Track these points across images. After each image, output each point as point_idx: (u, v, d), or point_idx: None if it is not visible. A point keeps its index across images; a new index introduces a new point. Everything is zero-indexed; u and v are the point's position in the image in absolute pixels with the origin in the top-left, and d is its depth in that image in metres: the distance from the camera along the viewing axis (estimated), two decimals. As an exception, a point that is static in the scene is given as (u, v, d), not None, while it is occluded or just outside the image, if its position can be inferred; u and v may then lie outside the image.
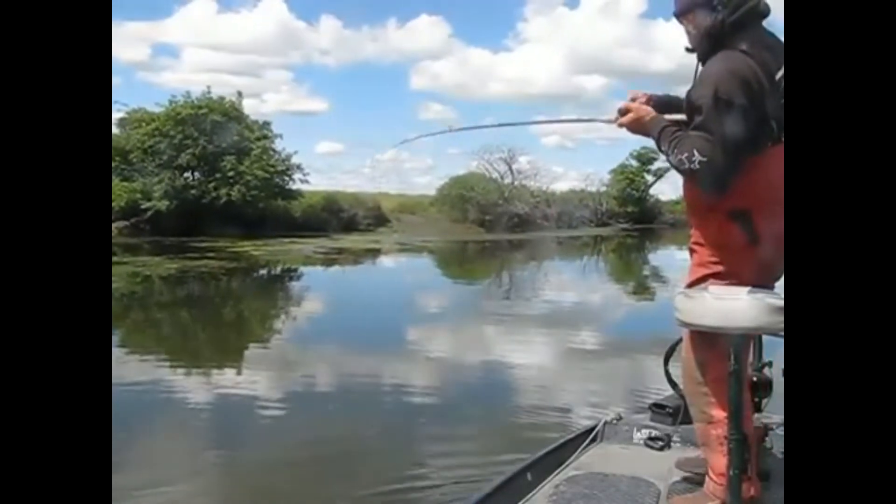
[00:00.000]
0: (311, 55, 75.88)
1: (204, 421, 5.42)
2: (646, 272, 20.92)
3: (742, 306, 1.90)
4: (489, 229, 34.93)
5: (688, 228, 2.32)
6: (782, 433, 2.51)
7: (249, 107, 34.60)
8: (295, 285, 16.09)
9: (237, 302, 12.99)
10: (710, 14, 2.10)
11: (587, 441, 2.82)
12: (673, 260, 24.65)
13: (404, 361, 7.39)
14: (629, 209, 44.40)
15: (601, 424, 2.90)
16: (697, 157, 1.98)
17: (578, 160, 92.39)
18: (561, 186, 43.77)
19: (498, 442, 4.58)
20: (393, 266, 21.37)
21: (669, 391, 2.95)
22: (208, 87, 29.90)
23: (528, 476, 2.50)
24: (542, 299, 13.25)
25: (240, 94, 31.00)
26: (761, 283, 2.07)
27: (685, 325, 2.03)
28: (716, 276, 2.11)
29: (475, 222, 35.97)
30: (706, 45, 2.13)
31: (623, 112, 2.27)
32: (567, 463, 2.63)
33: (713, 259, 2.13)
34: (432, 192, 39.93)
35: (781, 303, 1.83)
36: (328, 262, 20.24)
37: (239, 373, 7.13)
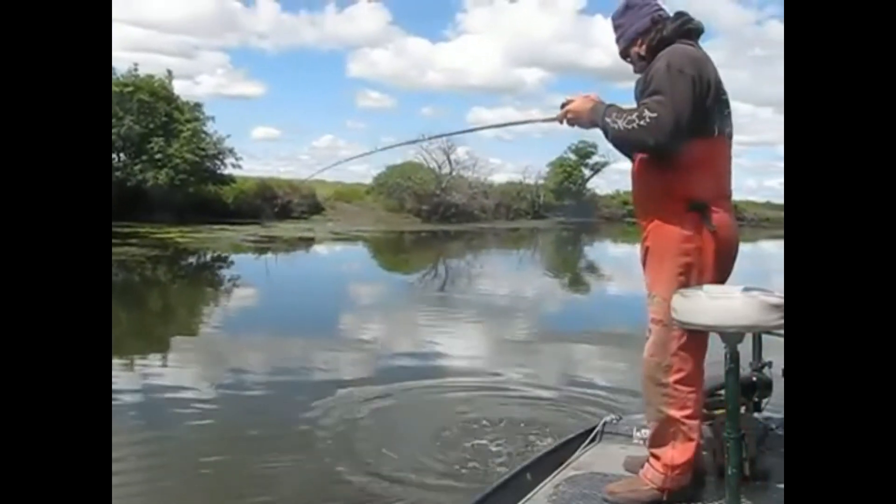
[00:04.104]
0: (248, 39, 74.21)
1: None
2: (581, 265, 21.11)
3: (738, 305, 1.91)
4: (426, 219, 34.72)
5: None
6: (782, 433, 2.54)
7: (182, 88, 33.48)
8: (220, 274, 15.43)
9: (161, 291, 12.38)
10: (653, 34, 2.24)
11: (587, 441, 2.84)
12: (607, 254, 25.06)
13: (329, 356, 7.09)
14: (566, 202, 44.95)
15: (601, 424, 2.92)
16: (647, 113, 2.04)
17: (515, 152, 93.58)
18: (499, 178, 43.98)
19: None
20: (326, 255, 20.90)
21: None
22: (135, 64, 28.68)
23: (528, 476, 2.51)
24: (477, 292, 13.12)
25: (169, 72, 29.93)
26: (722, 273, 2.17)
27: (683, 324, 2.05)
28: (682, 268, 2.13)
29: (412, 212, 35.68)
30: (652, 56, 2.22)
31: (565, 105, 2.32)
32: (567, 463, 2.64)
33: (676, 251, 2.14)
34: (369, 180, 39.41)
35: (777, 300, 1.86)
36: (259, 251, 19.62)
37: (164, 364, 6.77)
